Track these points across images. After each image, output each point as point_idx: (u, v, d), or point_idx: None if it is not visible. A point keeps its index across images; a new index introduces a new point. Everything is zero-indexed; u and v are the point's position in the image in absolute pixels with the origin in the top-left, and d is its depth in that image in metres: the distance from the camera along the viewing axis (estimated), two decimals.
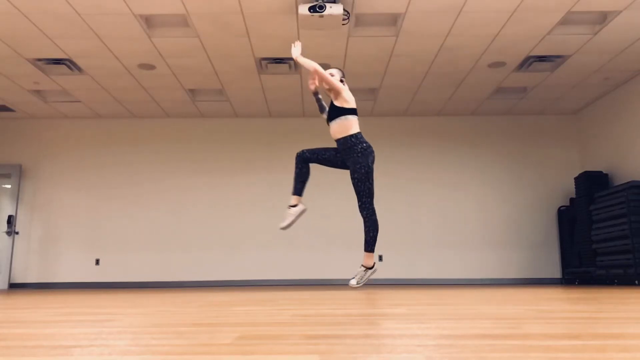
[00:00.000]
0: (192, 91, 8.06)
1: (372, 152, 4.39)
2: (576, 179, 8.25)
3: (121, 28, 5.97)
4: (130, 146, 9.07)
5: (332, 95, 4.50)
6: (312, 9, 5.21)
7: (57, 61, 6.85)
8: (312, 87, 4.61)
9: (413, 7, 5.58)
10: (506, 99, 8.40)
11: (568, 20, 5.94)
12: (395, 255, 8.70)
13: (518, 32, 6.16)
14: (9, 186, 8.99)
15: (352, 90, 8.10)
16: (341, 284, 8.43)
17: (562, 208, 8.66)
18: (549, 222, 8.80)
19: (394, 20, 5.98)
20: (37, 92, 7.98)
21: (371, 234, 4.35)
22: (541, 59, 6.88)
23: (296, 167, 4.55)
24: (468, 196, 8.91)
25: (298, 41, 4.54)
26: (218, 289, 7.11)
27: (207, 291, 6.08)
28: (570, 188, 8.74)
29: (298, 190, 4.63)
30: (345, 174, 9.19)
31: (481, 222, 8.82)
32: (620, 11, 5.66)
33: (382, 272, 8.68)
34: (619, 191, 7.15)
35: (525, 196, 8.90)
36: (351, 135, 4.39)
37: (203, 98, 8.29)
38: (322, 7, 5.20)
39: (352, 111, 4.43)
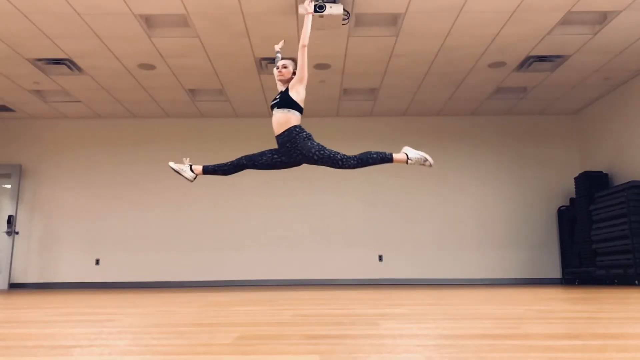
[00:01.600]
0: (192, 91, 8.06)
1: (314, 139, 4.41)
2: (576, 179, 8.25)
3: (121, 28, 5.97)
4: (130, 146, 9.07)
5: (289, 83, 4.49)
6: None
7: (57, 61, 6.85)
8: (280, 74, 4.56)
9: (413, 7, 5.58)
10: (506, 99, 8.40)
11: (568, 20, 5.94)
12: (395, 255, 8.70)
13: (518, 32, 6.16)
14: (9, 186, 8.99)
15: (352, 90, 8.11)
16: (341, 284, 8.43)
17: (562, 208, 8.66)
18: (549, 222, 8.80)
19: (394, 20, 5.97)
20: (37, 92, 7.98)
21: (374, 156, 4.28)
22: (541, 59, 6.88)
23: (228, 162, 4.55)
24: (468, 196, 8.91)
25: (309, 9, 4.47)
26: (218, 289, 7.10)
27: (207, 291, 6.08)
28: (570, 188, 8.74)
29: (208, 169, 4.65)
30: (349, 176, 9.22)
31: (481, 222, 8.82)
32: (620, 11, 5.66)
33: (382, 272, 8.67)
34: (619, 191, 7.14)
35: (525, 196, 8.90)
36: (295, 126, 4.40)
37: (203, 98, 8.29)
38: (322, 7, 5.20)
39: (300, 109, 4.48)
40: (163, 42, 6.34)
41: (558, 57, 6.86)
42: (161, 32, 6.13)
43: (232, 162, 4.54)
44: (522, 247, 8.73)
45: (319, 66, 7.09)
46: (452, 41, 6.38)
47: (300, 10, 4.31)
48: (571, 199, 8.56)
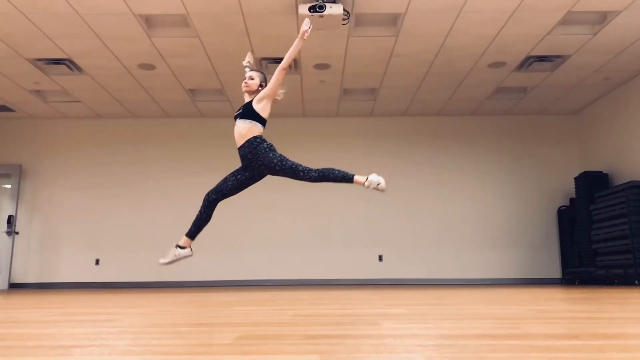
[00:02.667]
0: (192, 91, 8.06)
1: (276, 149, 4.44)
2: (576, 179, 8.25)
3: (121, 28, 5.97)
4: (130, 146, 9.07)
5: (256, 96, 4.53)
6: (312, 9, 5.21)
7: (57, 61, 6.85)
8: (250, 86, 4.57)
9: (413, 7, 5.58)
10: (506, 99, 8.40)
11: (568, 20, 5.94)
12: (395, 255, 8.70)
13: (518, 32, 6.16)
14: (9, 186, 8.99)
15: (352, 90, 8.11)
16: (341, 284, 8.43)
17: (562, 208, 8.66)
18: (549, 222, 8.80)
19: (394, 20, 5.97)
20: (37, 92, 7.98)
21: (336, 173, 4.29)
22: (541, 59, 6.88)
23: (200, 210, 4.58)
24: (468, 196, 8.91)
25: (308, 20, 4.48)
26: (218, 289, 7.10)
27: (207, 291, 6.09)
28: (570, 188, 8.74)
29: (191, 233, 4.66)
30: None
31: (481, 222, 8.82)
32: (620, 11, 5.66)
33: (382, 272, 8.67)
34: (619, 191, 7.14)
35: (525, 196, 8.90)
36: (255, 137, 4.43)
37: (203, 98, 8.29)
38: (322, 7, 5.20)
39: (263, 121, 4.51)
40: (163, 42, 6.34)
41: (558, 57, 6.86)
42: (161, 32, 6.14)
43: (203, 205, 4.54)
44: (522, 247, 8.72)
45: (319, 66, 7.09)
46: (452, 41, 6.38)
47: (304, 26, 4.34)
48: (571, 199, 8.56)
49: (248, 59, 4.93)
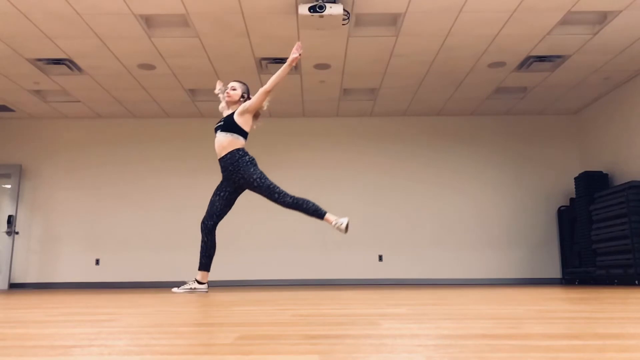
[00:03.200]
0: (192, 91, 8.06)
1: (257, 164, 4.48)
2: (576, 179, 8.25)
3: (121, 28, 5.97)
4: (130, 146, 9.07)
5: (237, 109, 4.56)
6: (312, 9, 5.21)
7: (57, 61, 6.85)
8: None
9: (413, 7, 5.58)
10: (506, 99, 8.40)
11: (568, 20, 5.94)
12: (395, 256, 8.70)
13: (518, 32, 6.16)
14: (9, 186, 8.99)
15: (352, 90, 8.11)
16: (341, 284, 8.43)
17: (562, 208, 8.66)
18: (549, 222, 8.80)
19: (394, 20, 5.98)
20: (37, 92, 7.98)
21: (310, 205, 4.37)
22: (541, 59, 6.88)
23: (202, 240, 4.63)
24: (468, 196, 8.91)
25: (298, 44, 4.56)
26: (218, 289, 7.10)
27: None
28: (570, 188, 8.74)
29: (205, 265, 4.72)
30: (349, 176, 9.22)
31: (481, 222, 8.82)
32: (620, 11, 5.66)
33: (382, 272, 8.67)
34: (619, 191, 7.14)
35: (525, 196, 8.90)
36: (237, 149, 4.44)
37: (203, 98, 8.29)
38: (322, 7, 5.20)
39: (245, 134, 4.53)
40: (163, 42, 6.35)
41: (558, 57, 6.86)
42: (161, 32, 6.14)
43: (204, 235, 4.59)
44: (522, 247, 8.73)
45: (319, 66, 7.09)
46: (452, 41, 6.38)
47: (294, 53, 4.42)
48: (571, 199, 8.56)
49: (219, 86, 4.99)
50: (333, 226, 4.41)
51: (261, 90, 4.43)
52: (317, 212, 4.35)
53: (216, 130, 4.55)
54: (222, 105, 4.80)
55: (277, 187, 4.37)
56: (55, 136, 9.09)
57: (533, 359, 0.89)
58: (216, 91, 5.01)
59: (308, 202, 4.38)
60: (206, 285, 4.72)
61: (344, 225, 4.36)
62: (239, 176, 4.42)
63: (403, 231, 8.78)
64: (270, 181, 4.38)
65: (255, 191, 4.44)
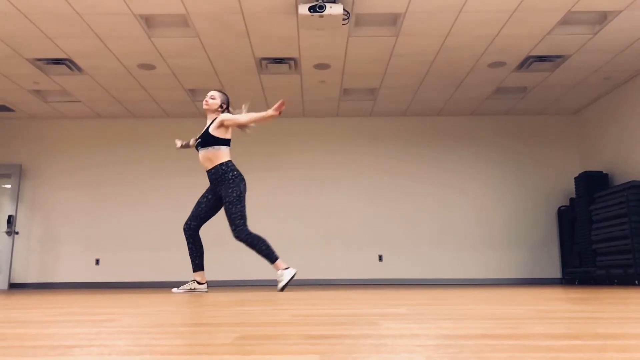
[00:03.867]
0: (192, 91, 8.06)
1: (244, 179, 4.56)
2: (576, 179, 8.25)
3: (121, 28, 5.97)
4: (130, 146, 9.07)
5: (215, 121, 4.60)
6: (312, 9, 5.21)
7: (57, 61, 6.85)
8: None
9: (413, 7, 5.58)
10: (506, 99, 8.40)
11: (568, 20, 5.94)
12: (395, 255, 8.70)
13: (518, 32, 6.16)
14: (9, 186, 8.99)
15: (352, 90, 8.11)
16: (341, 284, 8.43)
17: (562, 208, 8.66)
18: (549, 222, 8.81)
19: (394, 20, 5.98)
20: (37, 92, 7.98)
21: (263, 247, 4.42)
22: (541, 59, 6.88)
23: (188, 244, 4.68)
24: (468, 196, 8.91)
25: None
26: (218, 289, 7.10)
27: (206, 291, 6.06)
28: (570, 188, 8.74)
29: (198, 266, 4.76)
30: (349, 175, 9.22)
31: (481, 222, 8.82)
32: (620, 11, 5.66)
33: (382, 272, 8.68)
34: (619, 191, 7.14)
35: (525, 196, 8.91)
36: (222, 164, 4.47)
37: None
38: (322, 7, 5.20)
39: (226, 142, 4.55)
40: (163, 42, 6.35)
41: (558, 57, 6.86)
42: (161, 32, 6.14)
43: (187, 237, 4.61)
44: (522, 247, 8.73)
45: (318, 66, 7.09)
46: (452, 41, 6.38)
47: (279, 105, 4.44)
48: (571, 199, 8.56)
49: (179, 143, 5.06)
50: (277, 275, 4.45)
51: (238, 118, 4.49)
52: (268, 256, 4.43)
53: (197, 147, 4.61)
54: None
55: (241, 220, 4.37)
56: (55, 136, 9.09)
57: (533, 359, 0.89)
58: (178, 147, 5.08)
59: (264, 243, 4.42)
60: (206, 285, 4.73)
61: (284, 282, 4.41)
62: (219, 188, 4.48)
63: (403, 231, 8.78)
64: (239, 210, 4.37)
65: (224, 206, 4.47)
